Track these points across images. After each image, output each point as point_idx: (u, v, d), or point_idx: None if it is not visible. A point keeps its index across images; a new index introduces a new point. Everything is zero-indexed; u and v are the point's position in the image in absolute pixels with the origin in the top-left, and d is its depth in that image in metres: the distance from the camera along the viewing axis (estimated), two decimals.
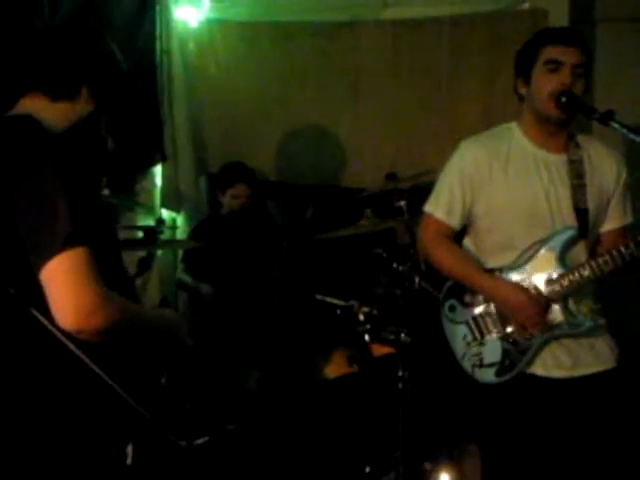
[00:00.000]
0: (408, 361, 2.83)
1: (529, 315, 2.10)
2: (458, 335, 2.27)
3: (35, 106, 1.65)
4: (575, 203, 2.15)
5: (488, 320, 2.21)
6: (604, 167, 2.22)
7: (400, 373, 2.87)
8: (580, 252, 2.17)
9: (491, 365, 2.19)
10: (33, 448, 1.54)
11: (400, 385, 2.87)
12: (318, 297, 2.93)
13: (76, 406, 1.57)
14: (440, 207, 2.27)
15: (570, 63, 2.06)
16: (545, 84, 2.08)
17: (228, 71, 4.07)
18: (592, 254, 2.19)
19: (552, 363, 2.16)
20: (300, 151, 4.09)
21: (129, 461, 1.63)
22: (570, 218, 2.15)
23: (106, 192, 3.18)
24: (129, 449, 1.64)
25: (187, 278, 3.76)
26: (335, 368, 2.90)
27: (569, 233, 2.14)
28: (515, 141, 2.22)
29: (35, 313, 1.52)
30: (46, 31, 1.80)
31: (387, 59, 3.90)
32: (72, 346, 1.53)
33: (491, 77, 3.69)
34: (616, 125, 1.93)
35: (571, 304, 2.16)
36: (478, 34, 3.68)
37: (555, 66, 2.07)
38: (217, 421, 2.77)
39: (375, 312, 2.93)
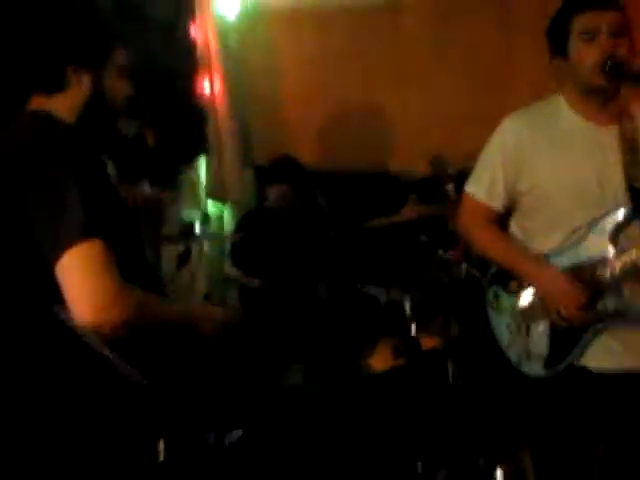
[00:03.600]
0: (457, 354, 2.71)
1: (568, 306, 1.94)
2: (502, 324, 2.12)
3: (41, 104, 1.61)
4: (628, 180, 1.97)
5: (534, 309, 2.06)
6: None
7: (450, 367, 2.76)
8: (636, 234, 1.99)
9: (539, 357, 2.04)
10: (63, 446, 1.51)
11: (450, 379, 2.76)
12: (361, 287, 2.82)
13: (103, 404, 1.53)
14: (481, 188, 2.13)
15: (607, 28, 1.89)
16: (585, 57, 1.91)
17: (270, 60, 4.02)
18: None
19: (606, 355, 1.99)
20: (345, 138, 4.00)
21: (161, 458, 1.59)
22: (623, 196, 1.98)
23: (146, 186, 3.17)
24: (161, 446, 1.60)
25: (235, 272, 3.73)
26: (381, 361, 2.79)
27: (623, 213, 1.96)
28: (561, 114, 2.05)
29: (58, 310, 1.49)
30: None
31: (431, 40, 3.76)
32: (97, 341, 1.50)
33: (540, 53, 3.48)
34: None
35: (627, 291, 1.99)
36: (528, 9, 3.48)
37: (591, 35, 1.91)
38: (258, 415, 2.71)
39: (421, 302, 2.80)
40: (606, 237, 1.97)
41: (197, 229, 3.82)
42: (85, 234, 1.44)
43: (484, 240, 2.14)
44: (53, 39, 1.61)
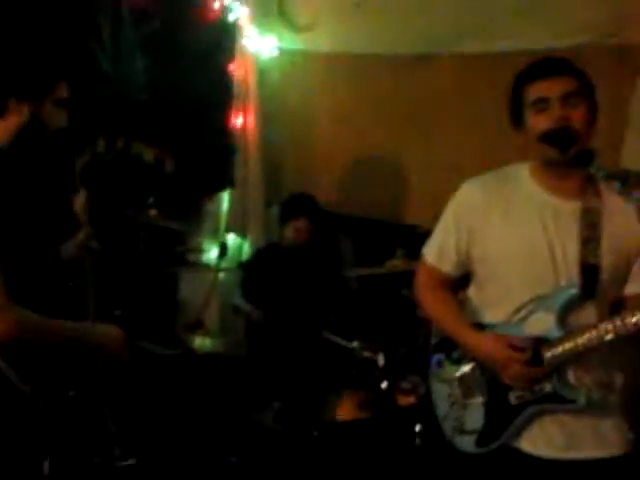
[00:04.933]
0: (426, 414, 2.62)
1: (516, 373, 1.85)
2: (442, 394, 2.04)
3: None
4: (582, 258, 1.87)
5: (473, 381, 1.98)
6: (629, 219, 1.90)
7: (417, 428, 2.67)
8: (589, 315, 1.88)
9: (472, 432, 1.95)
10: None
11: (417, 440, 2.67)
12: (328, 336, 2.79)
13: None
14: (433, 251, 2.08)
15: (557, 95, 1.81)
16: (537, 127, 1.84)
17: (305, 101, 4.07)
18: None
19: (542, 440, 1.89)
20: (370, 184, 3.98)
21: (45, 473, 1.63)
22: (576, 274, 1.88)
23: (154, 213, 3.27)
24: (46, 465, 1.64)
25: (241, 303, 3.77)
26: (345, 411, 2.74)
27: (570, 292, 1.86)
28: (522, 183, 1.98)
29: None
30: None
31: (463, 93, 3.71)
32: None
33: None
34: (593, 169, 1.66)
35: (571, 374, 1.88)
36: None
37: (543, 105, 1.84)
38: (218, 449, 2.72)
39: (396, 357, 2.74)
40: (553, 316, 1.87)
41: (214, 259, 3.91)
42: None
43: (429, 303, 2.08)
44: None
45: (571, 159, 1.81)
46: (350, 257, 4.24)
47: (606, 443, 1.87)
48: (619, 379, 1.95)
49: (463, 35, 3.67)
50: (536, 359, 1.85)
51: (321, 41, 4.02)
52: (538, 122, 1.84)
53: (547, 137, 1.81)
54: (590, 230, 1.89)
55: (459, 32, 3.66)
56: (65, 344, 1.66)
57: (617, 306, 1.94)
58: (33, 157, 1.75)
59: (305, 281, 3.65)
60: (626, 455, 1.89)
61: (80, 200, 2.43)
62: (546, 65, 1.89)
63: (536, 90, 1.85)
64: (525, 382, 1.87)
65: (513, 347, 1.85)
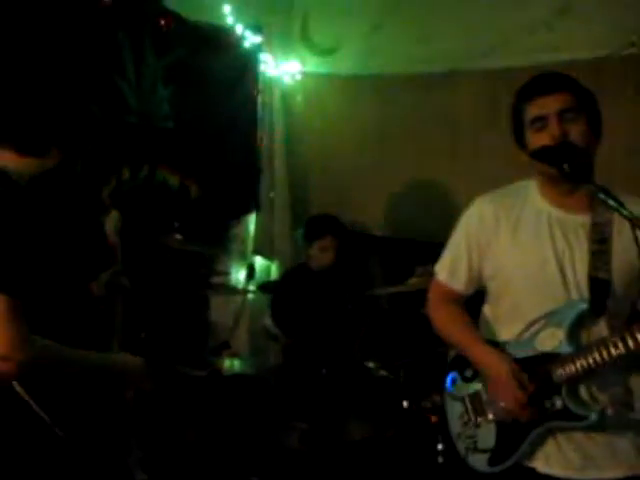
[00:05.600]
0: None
1: (508, 398, 1.82)
2: (456, 412, 2.03)
3: (4, 158, 1.78)
4: (591, 271, 1.85)
5: (485, 399, 1.96)
6: None
7: (440, 446, 2.65)
8: (600, 331, 1.84)
9: (484, 451, 1.93)
10: None
11: (440, 459, 2.65)
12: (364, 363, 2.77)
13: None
14: (444, 269, 2.07)
15: (554, 112, 1.80)
16: (537, 145, 1.83)
17: (329, 123, 4.11)
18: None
19: (557, 460, 1.85)
20: (397, 205, 4.00)
21: None
22: (586, 288, 1.85)
23: (179, 238, 3.32)
24: None
25: (270, 324, 3.79)
26: (365, 429, 2.73)
27: (580, 307, 1.83)
28: (530, 199, 1.97)
29: None
30: (25, 86, 1.95)
31: (485, 110, 3.70)
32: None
33: None
34: (591, 186, 1.63)
35: (583, 390, 1.84)
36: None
37: (541, 123, 1.83)
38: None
39: (417, 376, 2.73)
40: (563, 331, 1.85)
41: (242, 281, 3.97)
42: None
43: (441, 320, 2.07)
44: (56, 116, 1.79)
45: (568, 175, 1.79)
46: (380, 277, 4.25)
47: (624, 462, 1.83)
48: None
49: (484, 52, 3.68)
50: (538, 396, 1.82)
51: (343, 63, 4.07)
52: (538, 141, 1.83)
53: (538, 154, 1.80)
54: (600, 244, 1.86)
55: (479, 48, 3.67)
56: (86, 375, 1.71)
57: (632, 322, 1.91)
58: (57, 192, 1.83)
59: (333, 302, 3.65)
60: None
61: (111, 221, 2.50)
62: (541, 82, 1.88)
63: (533, 109, 1.85)
64: (514, 409, 1.83)
65: (516, 378, 1.82)
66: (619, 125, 3.32)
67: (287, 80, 4.13)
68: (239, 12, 3.78)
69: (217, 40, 3.61)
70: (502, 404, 1.84)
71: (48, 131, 1.78)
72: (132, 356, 1.89)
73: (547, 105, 1.82)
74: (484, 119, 3.72)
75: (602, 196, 1.62)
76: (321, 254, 3.67)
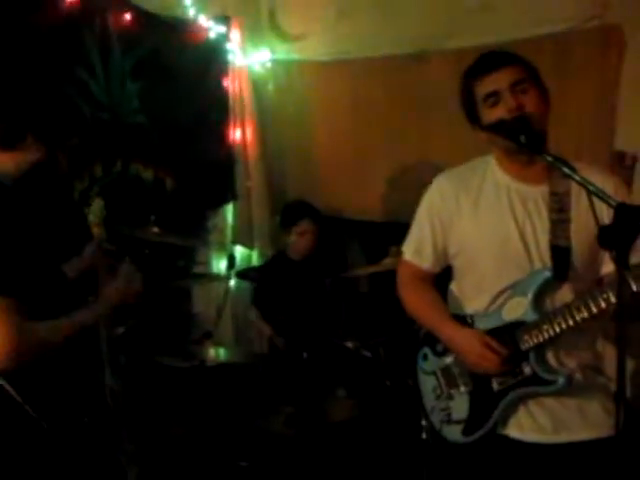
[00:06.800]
0: None
1: (485, 367, 1.87)
2: (428, 386, 2.08)
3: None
4: (552, 240, 1.89)
5: (456, 372, 2.00)
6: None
7: (424, 422, 2.69)
8: (564, 297, 1.88)
9: (458, 422, 1.97)
10: None
11: (424, 435, 2.69)
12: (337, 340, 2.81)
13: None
14: (410, 248, 2.11)
15: (506, 85, 1.84)
16: (492, 120, 1.86)
17: (302, 109, 4.12)
18: None
19: (529, 425, 1.90)
20: (370, 187, 4.02)
21: None
22: (548, 257, 1.90)
23: (156, 231, 3.33)
24: None
25: (252, 313, 3.82)
26: (351, 410, 2.77)
27: (542, 275, 1.88)
28: (489, 174, 2.01)
29: None
30: None
31: (455, 89, 3.72)
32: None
33: (560, 102, 3.36)
34: (546, 156, 1.66)
35: (550, 356, 1.89)
36: (545, 57, 3.38)
37: (495, 98, 1.86)
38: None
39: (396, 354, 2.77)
40: (528, 300, 1.89)
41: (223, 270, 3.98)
42: None
43: (410, 301, 2.11)
44: (23, 103, 1.82)
45: (525, 146, 1.81)
46: (360, 259, 4.28)
47: (594, 425, 1.88)
48: (610, 361, 1.94)
49: (451, 32, 3.70)
50: (512, 358, 1.86)
51: (313, 50, 4.08)
52: (493, 116, 1.86)
53: (494, 127, 1.83)
54: (559, 213, 1.90)
55: (444, 29, 3.69)
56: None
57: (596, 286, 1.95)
58: (37, 194, 1.85)
59: (314, 287, 3.68)
60: (612, 437, 1.88)
61: (95, 210, 2.51)
62: (489, 59, 1.92)
63: (485, 85, 1.89)
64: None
65: (489, 347, 1.87)
66: (586, 95, 3.38)
67: (257, 69, 4.14)
68: (206, 3, 3.79)
69: (182, 33, 3.60)
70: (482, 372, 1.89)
71: (20, 119, 1.79)
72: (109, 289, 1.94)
73: (498, 80, 1.86)
74: (455, 99, 3.74)
75: (556, 163, 1.65)
76: (300, 239, 3.68)
